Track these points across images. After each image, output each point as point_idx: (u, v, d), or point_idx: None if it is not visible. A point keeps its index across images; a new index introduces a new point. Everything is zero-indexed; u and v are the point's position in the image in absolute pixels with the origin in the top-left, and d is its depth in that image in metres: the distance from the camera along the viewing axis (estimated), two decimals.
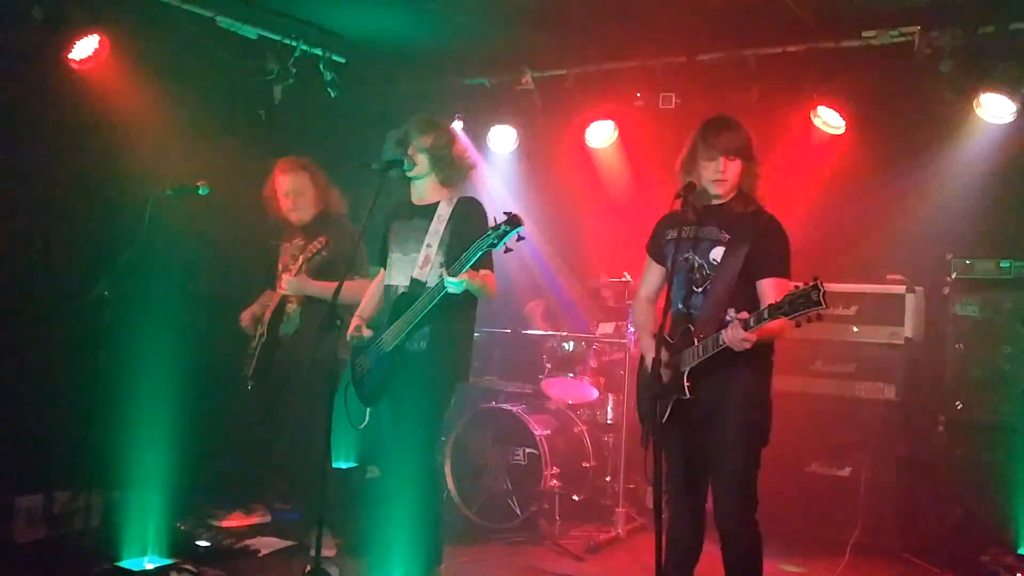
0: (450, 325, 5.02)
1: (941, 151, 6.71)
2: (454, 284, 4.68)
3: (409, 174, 5.13)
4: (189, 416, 6.32)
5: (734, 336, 4.02)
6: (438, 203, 5.14)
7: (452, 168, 5.20)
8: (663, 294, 4.65)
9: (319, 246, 5.69)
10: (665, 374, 4.31)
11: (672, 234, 4.54)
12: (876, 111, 6.84)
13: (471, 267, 4.69)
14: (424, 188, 5.19)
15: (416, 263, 5.04)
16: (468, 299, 4.99)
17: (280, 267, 6.18)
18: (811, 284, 3.82)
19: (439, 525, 5.17)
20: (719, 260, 4.38)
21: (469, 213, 5.09)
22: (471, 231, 4.80)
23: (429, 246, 5.03)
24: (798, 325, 3.94)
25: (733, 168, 4.43)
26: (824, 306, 3.78)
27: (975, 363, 6.21)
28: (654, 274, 4.76)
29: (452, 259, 4.79)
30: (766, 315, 3.97)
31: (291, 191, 6.12)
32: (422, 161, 5.11)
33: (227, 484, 6.54)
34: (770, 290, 4.25)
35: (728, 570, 4.46)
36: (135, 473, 6.01)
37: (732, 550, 4.43)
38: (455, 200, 5.15)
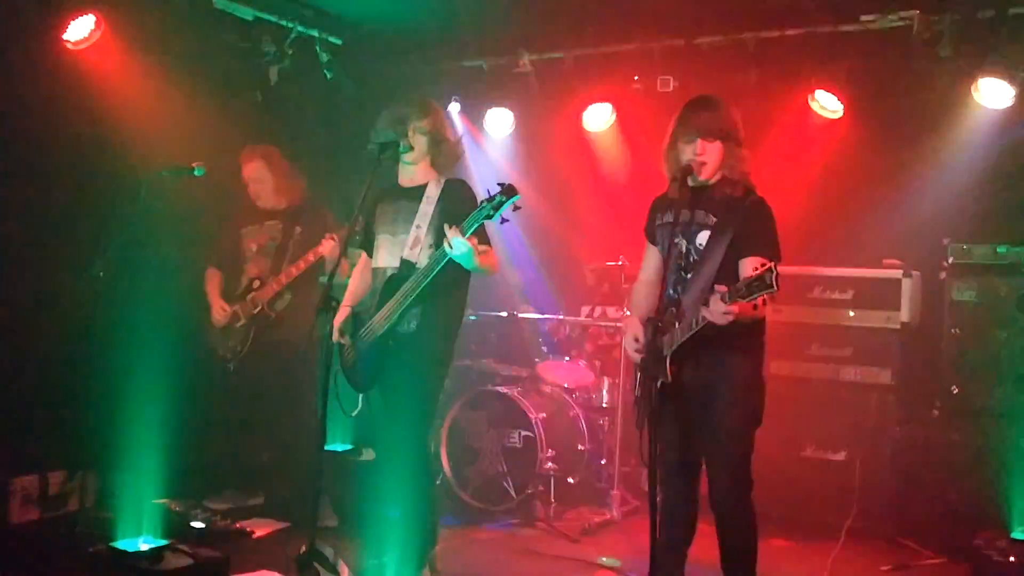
0: (442, 306, 5.00)
1: (939, 135, 6.69)
2: (459, 244, 4.62)
3: (404, 156, 5.10)
4: (184, 397, 6.31)
5: (715, 309, 3.99)
6: (427, 184, 5.11)
7: (447, 152, 5.18)
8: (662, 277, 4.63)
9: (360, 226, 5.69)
10: (652, 357, 4.30)
11: (663, 218, 4.55)
12: (874, 95, 6.82)
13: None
14: (414, 170, 5.16)
15: (406, 244, 5.01)
16: (460, 279, 4.99)
17: (254, 247, 6.46)
18: (765, 268, 3.79)
19: (433, 507, 5.17)
20: (705, 244, 4.37)
21: (458, 193, 5.08)
22: (461, 211, 4.79)
23: (419, 227, 5.00)
24: (755, 308, 3.87)
25: (713, 150, 4.40)
26: (776, 289, 3.74)
27: (971, 348, 6.21)
28: (652, 257, 4.75)
29: (442, 239, 4.74)
30: (727, 298, 3.92)
31: (251, 179, 6.48)
32: (420, 143, 5.09)
33: (222, 465, 6.54)
34: (747, 268, 4.17)
35: (724, 551, 4.48)
36: (130, 454, 5.98)
37: (728, 531, 4.45)
38: (443, 181, 5.13)
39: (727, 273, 4.26)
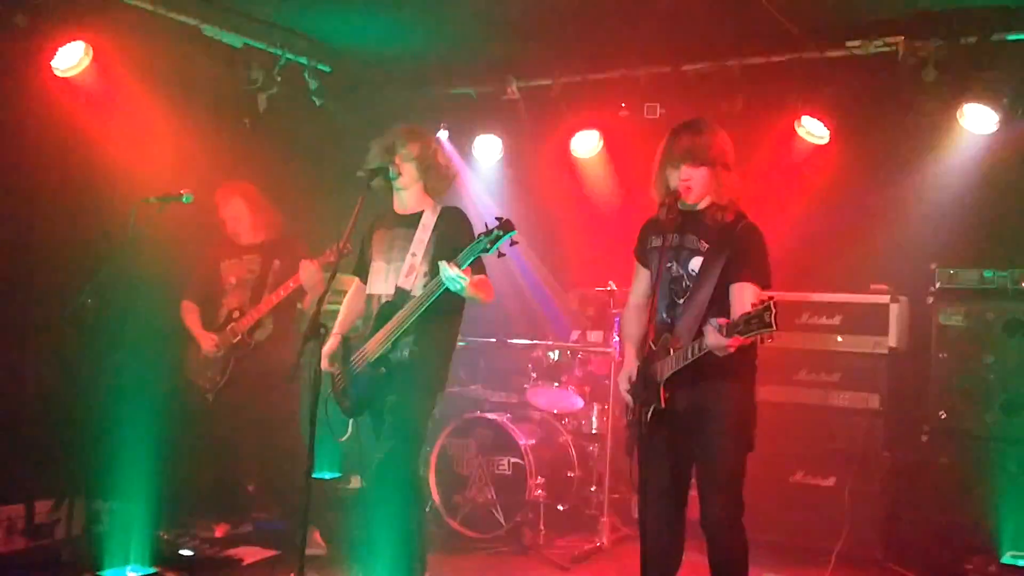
0: (434, 334, 5.01)
1: (925, 161, 6.73)
2: (453, 279, 4.64)
3: (395, 183, 5.12)
4: (172, 425, 6.29)
5: (716, 342, 4.03)
6: (422, 212, 5.13)
7: (438, 178, 5.20)
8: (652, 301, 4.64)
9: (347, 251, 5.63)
10: (644, 383, 4.34)
11: (656, 242, 4.56)
12: (860, 121, 6.86)
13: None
14: (408, 197, 5.19)
15: (401, 272, 5.03)
16: (454, 308, 5.00)
17: (233, 280, 6.47)
18: (763, 305, 3.82)
19: (422, 534, 5.15)
20: (697, 270, 4.38)
21: (454, 222, 5.10)
22: (456, 240, 4.83)
23: (414, 255, 5.02)
24: (753, 343, 3.96)
25: (698, 175, 4.41)
26: (774, 328, 3.78)
27: (959, 372, 6.23)
28: (642, 280, 4.75)
29: (438, 268, 4.75)
30: (724, 333, 3.96)
31: (229, 216, 6.51)
32: (409, 171, 5.11)
33: (211, 493, 6.50)
34: (738, 294, 4.26)
35: (713, 568, 4.48)
36: (118, 482, 5.97)
37: (719, 555, 4.45)
38: (439, 209, 5.15)
39: (720, 299, 4.30)
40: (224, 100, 7.19)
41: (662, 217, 4.46)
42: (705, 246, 4.39)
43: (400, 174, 5.09)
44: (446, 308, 4.93)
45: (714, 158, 4.42)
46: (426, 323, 4.93)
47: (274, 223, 6.56)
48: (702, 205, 4.47)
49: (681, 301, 4.42)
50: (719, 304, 4.27)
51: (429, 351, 5.01)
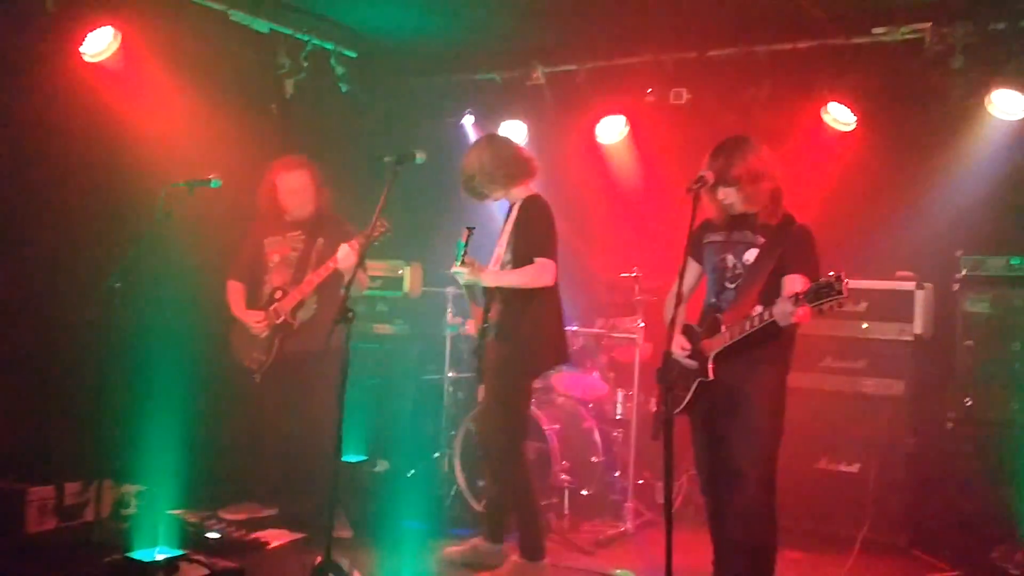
0: (515, 315, 5.38)
1: (952, 147, 6.70)
2: (457, 275, 5.25)
3: (487, 198, 5.60)
4: (200, 408, 6.34)
5: (783, 309, 4.23)
6: (513, 206, 5.56)
7: (507, 169, 5.50)
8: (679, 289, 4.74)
9: (382, 230, 5.74)
10: (688, 361, 4.59)
11: (713, 237, 4.80)
12: (887, 107, 6.84)
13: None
14: (504, 197, 5.60)
15: (490, 263, 5.50)
16: (530, 293, 5.34)
17: (277, 258, 6.45)
18: (835, 276, 4.02)
19: (513, 507, 5.61)
20: (752, 260, 4.60)
21: (528, 212, 5.47)
22: (526, 229, 5.37)
23: (500, 246, 5.50)
24: (820, 312, 4.13)
25: (732, 194, 4.64)
26: (844, 295, 4.00)
27: (984, 360, 6.20)
28: (692, 273, 4.95)
29: (516, 256, 5.35)
30: (794, 302, 4.16)
31: (293, 189, 6.41)
32: (486, 184, 5.48)
33: (239, 476, 6.54)
34: (789, 284, 4.46)
35: (744, 556, 4.55)
36: (146, 465, 6.02)
37: (748, 539, 4.53)
38: (522, 201, 5.51)
39: (770, 290, 4.49)
40: (251, 86, 7.24)
41: (720, 217, 4.74)
42: (761, 240, 4.61)
43: (487, 195, 5.56)
44: (524, 293, 5.33)
45: (737, 177, 4.58)
46: (507, 305, 5.38)
47: (326, 200, 6.54)
48: (753, 210, 4.67)
49: (732, 286, 4.66)
50: (769, 293, 4.46)
51: (510, 331, 5.39)
